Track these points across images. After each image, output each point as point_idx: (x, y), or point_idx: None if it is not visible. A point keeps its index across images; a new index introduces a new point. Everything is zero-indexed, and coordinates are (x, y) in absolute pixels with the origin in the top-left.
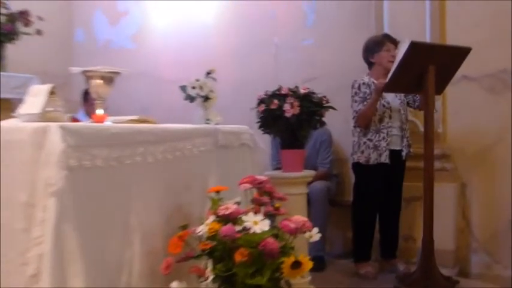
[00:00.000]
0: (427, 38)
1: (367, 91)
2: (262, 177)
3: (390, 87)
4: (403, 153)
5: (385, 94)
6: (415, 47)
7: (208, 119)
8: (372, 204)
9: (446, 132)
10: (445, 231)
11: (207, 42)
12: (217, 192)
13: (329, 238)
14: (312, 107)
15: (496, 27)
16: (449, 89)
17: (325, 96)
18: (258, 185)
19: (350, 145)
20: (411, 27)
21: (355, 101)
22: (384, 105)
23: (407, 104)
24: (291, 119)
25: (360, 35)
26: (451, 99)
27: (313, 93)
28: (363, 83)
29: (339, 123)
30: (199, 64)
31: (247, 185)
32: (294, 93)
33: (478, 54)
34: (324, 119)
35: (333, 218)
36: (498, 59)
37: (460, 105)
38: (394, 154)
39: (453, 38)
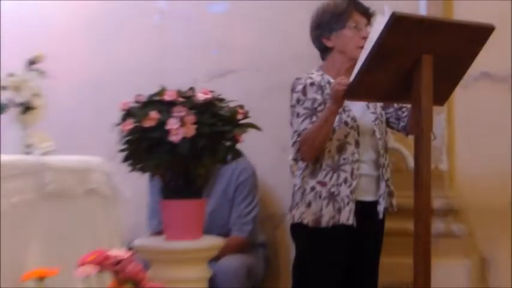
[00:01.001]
0: (420, 10)
1: (319, 97)
2: (121, 253)
3: (358, 91)
4: (380, 208)
5: (348, 104)
6: (400, 23)
7: (29, 145)
8: None
9: (453, 171)
10: None
11: (36, 9)
12: (41, 278)
13: None
14: (219, 126)
15: None
16: (459, 96)
17: (242, 106)
18: (113, 267)
19: (288, 193)
20: None
21: (297, 115)
22: (346, 123)
23: (388, 122)
24: (180, 146)
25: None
26: (462, 113)
27: (222, 99)
28: (311, 84)
29: (269, 153)
30: (19, 48)
31: (91, 268)
32: (187, 99)
33: (506, 36)
34: (240, 146)
35: None
36: None
37: (478, 123)
38: (365, 209)
39: (463, 11)
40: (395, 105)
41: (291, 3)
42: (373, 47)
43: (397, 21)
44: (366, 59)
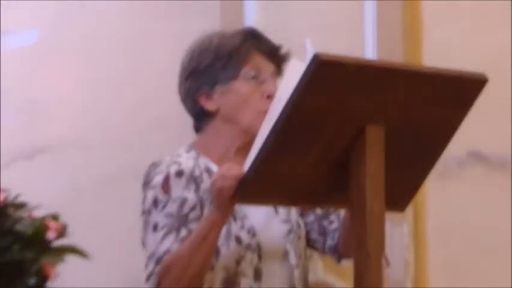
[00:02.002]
0: (367, 51)
1: (191, 197)
2: None
3: (257, 189)
4: None
5: (243, 207)
6: (329, 71)
7: None
8: None
9: None
10: None
11: None
12: None
13: None
14: (16, 250)
15: None
16: (433, 192)
17: (56, 217)
18: None
19: None
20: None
21: (155, 228)
22: (239, 240)
23: (308, 238)
24: None
25: (193, 29)
26: (438, 221)
27: (22, 204)
28: (178, 173)
29: None
30: None
31: None
32: None
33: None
34: (56, 283)
35: None
36: None
37: (465, 236)
38: None
39: (438, 54)
40: (319, 210)
41: (152, 32)
42: (283, 112)
43: (322, 69)
44: (270, 134)
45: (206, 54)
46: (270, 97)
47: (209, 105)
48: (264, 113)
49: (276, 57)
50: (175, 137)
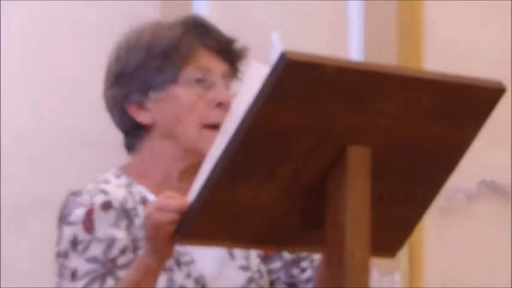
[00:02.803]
0: (352, 50)
1: (121, 236)
2: None
3: (204, 225)
4: None
5: (190, 250)
6: (300, 74)
7: None
8: None
9: None
10: None
11: None
12: None
13: None
14: None
15: None
16: (432, 232)
17: None
18: None
19: None
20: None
21: (73, 276)
22: None
23: None
24: None
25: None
26: (438, 267)
27: None
28: (105, 205)
29: None
30: None
31: None
32: None
33: None
34: None
35: None
36: None
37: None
38: None
39: (441, 56)
40: (288, 255)
41: (80, 21)
42: (241, 126)
43: (292, 72)
44: (224, 154)
45: (136, 52)
46: (221, 105)
47: (142, 117)
48: (212, 126)
49: (229, 54)
50: (105, 158)
